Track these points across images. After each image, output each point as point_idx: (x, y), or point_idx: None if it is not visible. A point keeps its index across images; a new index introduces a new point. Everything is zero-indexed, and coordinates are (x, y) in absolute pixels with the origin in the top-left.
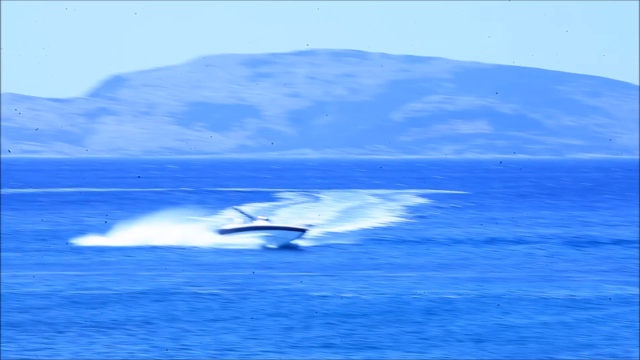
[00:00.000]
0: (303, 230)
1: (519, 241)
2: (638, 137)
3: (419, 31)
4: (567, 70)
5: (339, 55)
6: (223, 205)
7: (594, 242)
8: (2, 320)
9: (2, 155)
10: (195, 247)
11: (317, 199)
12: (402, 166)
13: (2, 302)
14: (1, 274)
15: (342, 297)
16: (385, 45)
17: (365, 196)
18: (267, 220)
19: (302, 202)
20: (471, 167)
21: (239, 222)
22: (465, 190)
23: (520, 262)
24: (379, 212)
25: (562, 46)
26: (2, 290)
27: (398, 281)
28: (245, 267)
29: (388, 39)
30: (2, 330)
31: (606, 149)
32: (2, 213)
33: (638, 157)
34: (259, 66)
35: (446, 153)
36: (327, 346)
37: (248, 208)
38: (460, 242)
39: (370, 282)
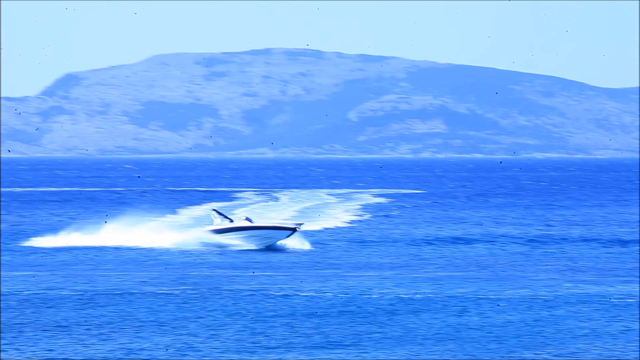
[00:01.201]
0: (293, 230)
1: (478, 240)
2: (592, 136)
3: (374, 31)
4: (521, 70)
5: (294, 55)
6: (181, 205)
7: (553, 241)
8: None
9: (2, 155)
10: (165, 248)
11: (275, 199)
12: (359, 165)
13: None
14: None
15: (303, 297)
16: (340, 45)
17: (323, 195)
18: (248, 220)
19: (260, 201)
20: (427, 166)
21: (218, 223)
22: (422, 190)
23: (480, 261)
24: (337, 211)
25: (516, 46)
26: None
27: (358, 280)
28: (206, 267)
29: (343, 39)
30: None
31: (560, 149)
32: None
33: (593, 156)
34: (214, 65)
35: (402, 152)
36: (289, 346)
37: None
38: (419, 241)
39: (330, 282)
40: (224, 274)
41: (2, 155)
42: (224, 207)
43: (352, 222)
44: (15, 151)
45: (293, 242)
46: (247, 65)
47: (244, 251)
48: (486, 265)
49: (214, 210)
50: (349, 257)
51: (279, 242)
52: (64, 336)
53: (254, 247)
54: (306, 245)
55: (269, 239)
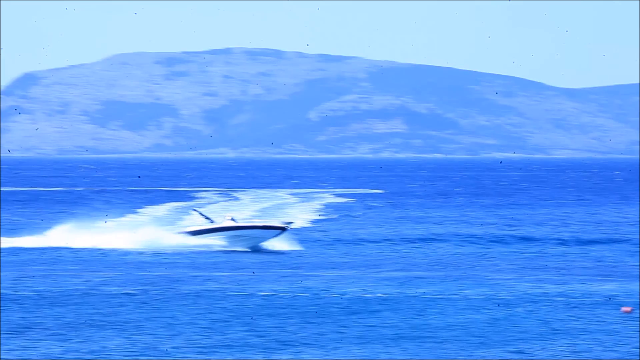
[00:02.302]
0: (283, 229)
1: (438, 240)
2: (551, 136)
3: (334, 30)
4: (480, 70)
5: (254, 54)
6: (142, 205)
7: (513, 241)
8: None
9: (2, 155)
10: (139, 249)
11: (235, 198)
12: (320, 165)
13: None
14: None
15: (261, 297)
16: (301, 44)
17: (283, 195)
18: (233, 220)
19: (221, 201)
20: (388, 166)
21: (200, 223)
22: (383, 189)
23: (441, 261)
24: (297, 211)
25: (475, 46)
26: None
27: (318, 280)
28: (165, 267)
29: (304, 38)
30: None
31: (520, 148)
32: None
33: (551, 156)
34: (174, 65)
35: (362, 152)
36: (247, 346)
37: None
38: (379, 240)
39: (290, 282)
40: (187, 274)
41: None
42: (184, 206)
43: (313, 221)
44: None
45: (277, 243)
46: (208, 64)
47: (214, 251)
48: (447, 264)
49: (195, 210)
50: (309, 257)
51: (264, 243)
52: (20, 337)
53: (238, 248)
54: (290, 246)
55: (257, 238)
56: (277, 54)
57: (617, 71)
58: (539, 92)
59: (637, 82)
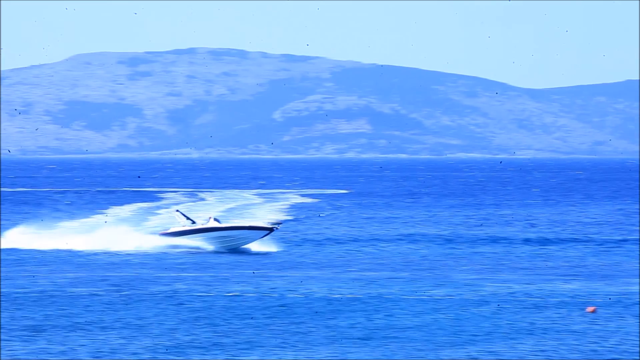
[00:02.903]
0: (271, 230)
1: (404, 239)
2: (514, 136)
3: (298, 30)
4: (444, 70)
5: (218, 54)
6: (107, 205)
7: (479, 241)
8: None
9: (2, 155)
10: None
11: (201, 199)
12: (285, 165)
13: None
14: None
15: (226, 297)
16: (264, 44)
17: (249, 196)
18: (216, 220)
19: (186, 202)
20: (353, 167)
21: (183, 224)
22: (348, 189)
23: (405, 261)
24: (263, 211)
25: (438, 46)
26: None
27: (282, 280)
28: (130, 267)
29: (267, 38)
30: None
31: (483, 149)
32: None
33: (515, 156)
34: (138, 65)
35: (327, 152)
36: (214, 346)
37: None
38: (344, 241)
39: (254, 282)
40: (156, 274)
41: (1, 156)
42: (150, 207)
43: (281, 222)
44: None
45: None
46: (171, 64)
47: (187, 252)
48: (413, 264)
49: (178, 211)
50: (275, 257)
51: (249, 244)
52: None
53: (221, 249)
54: (257, 246)
55: (244, 240)
56: (241, 54)
57: (579, 72)
58: (502, 92)
59: (599, 82)
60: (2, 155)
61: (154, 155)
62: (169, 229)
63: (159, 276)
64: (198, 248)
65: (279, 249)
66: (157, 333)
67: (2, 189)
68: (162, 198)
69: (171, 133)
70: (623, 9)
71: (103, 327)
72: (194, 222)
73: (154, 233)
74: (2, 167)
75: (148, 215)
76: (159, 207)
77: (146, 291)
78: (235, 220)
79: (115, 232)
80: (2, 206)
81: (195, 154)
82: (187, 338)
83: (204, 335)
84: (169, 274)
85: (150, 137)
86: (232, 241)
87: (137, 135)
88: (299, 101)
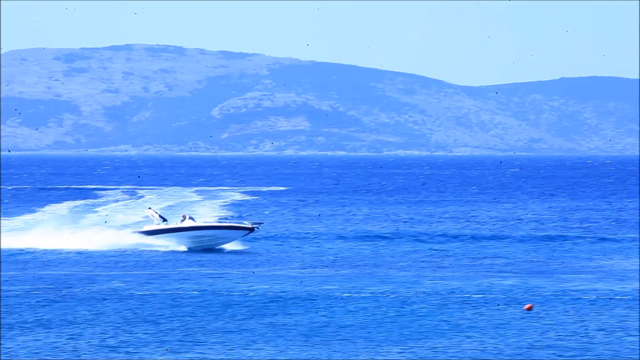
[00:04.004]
0: (251, 230)
1: (343, 237)
2: (452, 134)
3: (236, 27)
4: (382, 68)
5: (156, 51)
6: (44, 204)
7: (417, 238)
8: None
9: (2, 154)
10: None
11: (139, 197)
12: (222, 163)
13: None
14: None
15: (168, 295)
16: (202, 41)
17: (188, 193)
18: (192, 219)
19: (124, 199)
20: (292, 164)
21: (157, 222)
22: (288, 187)
23: (346, 258)
24: (202, 209)
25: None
26: None
27: (224, 278)
28: (68, 266)
29: (205, 35)
30: None
31: (422, 146)
32: None
33: (452, 153)
34: (74, 61)
35: (266, 150)
36: (154, 344)
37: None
38: (285, 238)
39: (196, 280)
40: (101, 273)
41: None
42: (88, 205)
43: (222, 220)
44: None
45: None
46: (108, 61)
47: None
48: (352, 262)
49: (150, 209)
50: (214, 255)
51: (228, 243)
52: None
53: (198, 248)
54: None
55: (222, 239)
56: (179, 51)
57: (515, 69)
58: (440, 89)
59: (535, 80)
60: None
61: (91, 152)
62: (142, 228)
63: (97, 274)
64: (170, 247)
65: (221, 247)
66: (97, 331)
67: None
68: (101, 196)
69: (108, 130)
70: (556, 7)
71: (39, 326)
72: (165, 220)
73: (124, 231)
74: None
75: (87, 213)
76: (96, 205)
77: (85, 290)
78: (211, 220)
79: (90, 232)
80: None
81: (133, 151)
82: (125, 336)
83: (142, 334)
84: (110, 272)
85: (87, 134)
86: (210, 241)
87: (73, 132)
88: (237, 98)
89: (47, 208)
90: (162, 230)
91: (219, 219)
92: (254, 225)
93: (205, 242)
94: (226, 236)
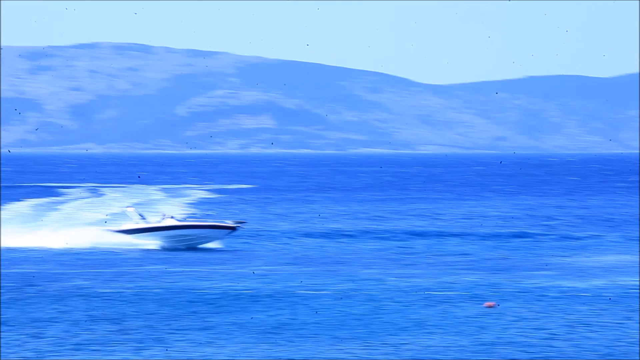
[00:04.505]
0: (233, 229)
1: (308, 235)
2: (417, 132)
3: (202, 25)
4: (347, 66)
5: (122, 49)
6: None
7: (382, 235)
8: None
9: (2, 153)
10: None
11: (101, 195)
12: (187, 161)
13: None
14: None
15: (132, 293)
16: (168, 40)
17: (151, 191)
18: (174, 218)
19: (86, 197)
20: (259, 162)
21: (137, 221)
22: (253, 184)
23: (309, 256)
24: (166, 207)
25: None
26: None
27: (188, 276)
28: (35, 264)
29: (171, 33)
30: None
31: (386, 144)
32: None
33: (417, 151)
34: (39, 59)
35: (231, 148)
36: (118, 342)
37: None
38: (248, 235)
39: (160, 278)
40: (62, 271)
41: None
42: (50, 202)
43: (187, 218)
44: None
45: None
46: (73, 59)
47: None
48: (315, 259)
49: (130, 206)
50: (179, 253)
51: (210, 242)
52: None
53: (179, 247)
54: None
55: (205, 238)
56: (145, 49)
57: (480, 68)
58: (405, 88)
59: (500, 79)
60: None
61: (55, 150)
62: (122, 226)
63: (63, 272)
64: (152, 246)
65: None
66: (60, 329)
67: None
68: (64, 194)
69: (73, 128)
70: (520, 7)
71: (1, 324)
72: (144, 219)
73: (106, 229)
74: None
75: (48, 211)
76: (60, 202)
77: (45, 289)
78: (192, 219)
79: (71, 230)
80: None
81: (97, 149)
82: (88, 335)
83: (104, 332)
84: (74, 270)
85: (52, 132)
86: (193, 240)
87: (38, 130)
88: (203, 96)
89: (9, 206)
90: (144, 229)
91: (187, 216)
92: (237, 225)
93: (187, 241)
94: (209, 235)
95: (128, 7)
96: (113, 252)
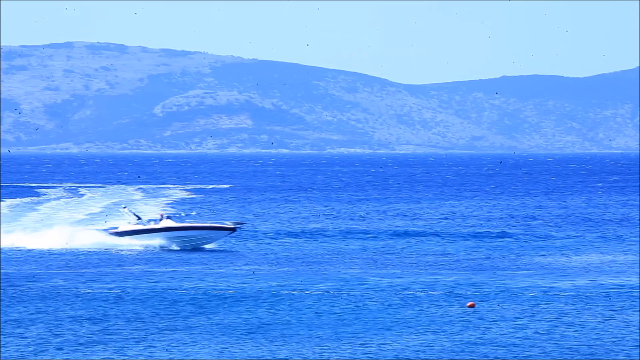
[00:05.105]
0: (233, 230)
1: (286, 234)
2: (394, 132)
3: (178, 25)
4: (324, 66)
5: (97, 49)
6: None
7: (362, 235)
8: None
9: (2, 152)
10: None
11: (80, 195)
12: (165, 160)
13: None
14: None
15: (113, 294)
16: (144, 39)
17: (131, 191)
18: (170, 219)
19: (65, 197)
20: (237, 162)
21: (133, 222)
22: (231, 184)
23: (290, 256)
24: (146, 207)
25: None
26: None
27: (169, 276)
28: (14, 265)
29: (147, 33)
30: None
31: (364, 144)
32: None
33: (395, 151)
34: (14, 59)
35: (208, 148)
36: (98, 343)
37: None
38: (230, 235)
39: (141, 278)
40: (42, 271)
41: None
42: (27, 203)
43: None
44: None
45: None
46: (48, 59)
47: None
48: (295, 259)
49: (125, 207)
50: (160, 253)
51: (209, 244)
52: None
53: (177, 248)
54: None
55: (204, 240)
56: (120, 49)
57: (457, 68)
58: (382, 88)
59: (476, 78)
60: None
61: (32, 150)
62: (118, 228)
63: (43, 273)
64: (151, 248)
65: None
66: (40, 330)
67: None
68: (42, 194)
69: (49, 128)
70: (496, 7)
71: None
72: (140, 219)
73: (99, 229)
74: None
75: (27, 211)
76: (38, 203)
77: (27, 288)
78: (192, 220)
79: (69, 230)
80: None
81: (74, 149)
82: (69, 335)
83: (85, 332)
84: (54, 270)
85: (28, 132)
86: (193, 241)
87: (13, 130)
88: (179, 96)
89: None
90: (143, 230)
91: (167, 215)
92: (236, 226)
93: (187, 243)
94: (209, 236)
95: (103, 6)
96: (88, 252)
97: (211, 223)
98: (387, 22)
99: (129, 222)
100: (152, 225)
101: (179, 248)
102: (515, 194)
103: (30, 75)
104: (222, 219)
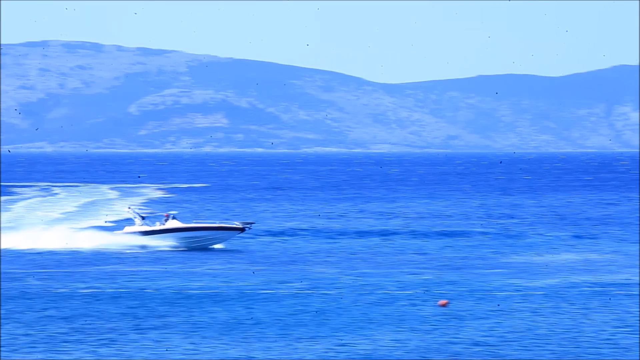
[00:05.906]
0: (241, 230)
1: (263, 233)
2: (370, 131)
3: (154, 24)
4: (300, 65)
5: (73, 47)
6: None
7: (337, 234)
8: None
9: (2, 152)
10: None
11: (53, 194)
12: (140, 160)
13: None
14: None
15: (83, 294)
16: (119, 38)
17: (105, 190)
18: (176, 219)
19: (37, 196)
20: (210, 161)
21: (140, 223)
22: (206, 183)
23: (266, 255)
24: (120, 206)
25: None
26: None
27: (142, 276)
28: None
29: (122, 32)
30: None
31: (340, 143)
32: None
33: (370, 150)
34: None
35: (184, 147)
36: (70, 342)
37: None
38: None
39: (113, 278)
40: (14, 270)
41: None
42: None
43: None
44: None
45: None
46: (23, 57)
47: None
48: (270, 258)
49: (130, 208)
50: (133, 253)
51: (216, 244)
52: None
53: (187, 249)
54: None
55: (213, 240)
56: (96, 47)
57: (432, 67)
58: (358, 87)
59: (452, 77)
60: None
61: (5, 148)
62: (124, 229)
63: (15, 271)
64: (159, 248)
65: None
66: (9, 330)
67: None
68: (15, 193)
69: (24, 127)
70: (473, 7)
71: None
72: (144, 219)
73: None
74: None
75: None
76: (12, 202)
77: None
78: (201, 221)
79: (74, 231)
80: None
81: (49, 148)
82: (42, 334)
83: (59, 331)
84: (27, 270)
85: (2, 131)
86: (201, 242)
87: None
88: (155, 95)
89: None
90: (152, 231)
91: (172, 216)
92: (245, 226)
93: (196, 243)
94: (217, 237)
95: (78, 5)
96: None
97: (219, 223)
98: (363, 22)
99: (137, 223)
100: (163, 226)
101: (187, 249)
102: (492, 192)
103: (4, 74)
104: (193, 219)
